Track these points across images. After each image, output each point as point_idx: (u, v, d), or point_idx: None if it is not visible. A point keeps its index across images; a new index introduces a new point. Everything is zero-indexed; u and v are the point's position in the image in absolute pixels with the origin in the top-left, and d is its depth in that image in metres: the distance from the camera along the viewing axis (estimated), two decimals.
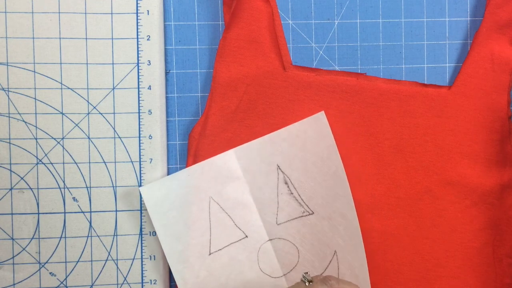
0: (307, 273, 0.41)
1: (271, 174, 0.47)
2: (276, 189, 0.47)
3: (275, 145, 0.47)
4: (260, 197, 0.47)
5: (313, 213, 0.46)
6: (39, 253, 0.47)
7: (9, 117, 0.47)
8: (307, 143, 0.46)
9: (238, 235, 0.47)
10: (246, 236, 0.47)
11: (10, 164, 0.47)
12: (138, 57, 0.47)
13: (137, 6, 0.47)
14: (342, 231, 0.46)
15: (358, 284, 0.45)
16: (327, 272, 0.46)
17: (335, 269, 0.46)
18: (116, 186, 0.48)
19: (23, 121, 0.47)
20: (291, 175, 0.47)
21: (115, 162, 0.48)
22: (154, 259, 0.48)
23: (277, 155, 0.47)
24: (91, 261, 0.48)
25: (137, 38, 0.47)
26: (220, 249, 0.47)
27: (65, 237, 0.47)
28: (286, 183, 0.47)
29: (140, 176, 0.48)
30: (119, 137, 0.48)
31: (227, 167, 0.47)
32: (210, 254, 0.47)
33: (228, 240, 0.47)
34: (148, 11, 0.47)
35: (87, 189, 0.47)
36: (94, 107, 0.47)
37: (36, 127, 0.47)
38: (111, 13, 0.47)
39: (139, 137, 0.48)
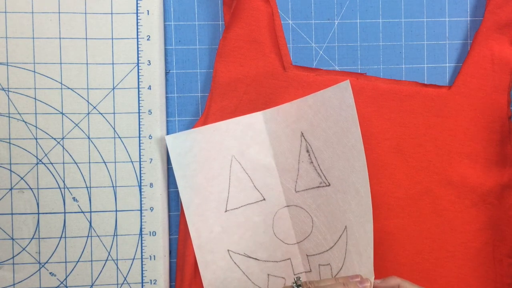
0: (299, 278, 0.41)
1: (295, 141, 0.47)
2: (298, 156, 0.47)
3: (301, 111, 0.46)
4: (282, 162, 0.47)
5: (329, 185, 0.46)
6: (39, 253, 0.47)
7: (9, 117, 0.47)
8: (330, 112, 0.45)
9: (256, 196, 0.47)
10: (264, 199, 0.47)
11: (10, 164, 0.47)
12: (138, 57, 0.47)
13: (137, 6, 0.47)
14: (354, 206, 0.45)
15: (361, 263, 0.45)
16: (335, 247, 0.46)
17: (344, 245, 0.46)
18: (116, 186, 0.48)
19: (23, 121, 0.47)
20: (313, 144, 0.46)
21: (115, 162, 0.48)
22: (154, 259, 0.48)
23: (302, 122, 0.46)
24: (91, 261, 0.48)
25: (137, 38, 0.47)
26: (236, 208, 0.47)
27: (65, 237, 0.47)
28: (307, 151, 0.46)
29: (140, 176, 0.48)
30: (119, 137, 0.48)
31: (253, 128, 0.47)
32: (226, 211, 0.47)
33: (246, 200, 0.47)
34: (148, 11, 0.47)
35: (87, 189, 0.47)
36: (94, 107, 0.47)
37: (36, 127, 0.47)
38: (111, 13, 0.47)
39: (139, 137, 0.48)
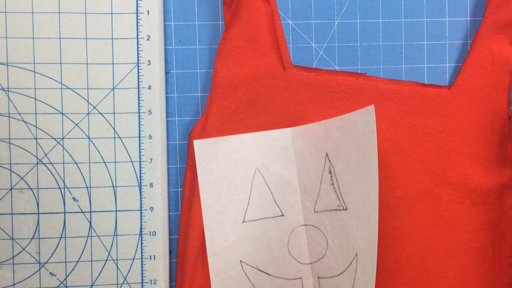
0: None
1: (320, 161, 0.46)
2: (321, 177, 0.46)
3: (328, 132, 0.46)
4: (304, 180, 0.47)
5: (346, 209, 0.46)
6: (39, 253, 0.47)
7: (9, 117, 0.47)
8: (354, 136, 0.45)
9: (275, 211, 0.47)
10: (283, 215, 0.47)
11: (10, 164, 0.47)
12: (138, 57, 0.47)
13: (137, 6, 0.47)
14: (365, 233, 0.45)
15: None
16: (346, 273, 0.46)
17: (353, 272, 0.46)
18: (116, 186, 0.48)
19: (23, 121, 0.47)
20: (336, 166, 0.46)
21: (115, 162, 0.48)
22: (154, 259, 0.48)
23: (328, 143, 0.46)
24: (91, 261, 0.48)
25: (137, 38, 0.47)
26: (253, 220, 0.47)
27: (65, 237, 0.47)
28: (330, 172, 0.46)
29: (140, 176, 0.48)
30: (119, 137, 0.48)
31: (280, 143, 0.47)
32: (243, 222, 0.47)
33: (264, 214, 0.47)
34: (148, 11, 0.47)
35: (87, 189, 0.47)
36: (94, 107, 0.47)
37: (36, 127, 0.47)
38: (111, 13, 0.47)
39: (139, 137, 0.48)
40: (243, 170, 0.47)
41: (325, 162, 0.46)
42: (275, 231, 0.47)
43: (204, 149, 0.47)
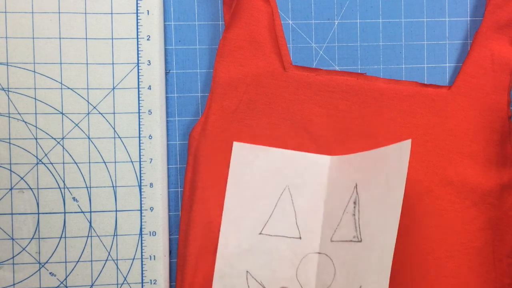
0: None
1: (348, 191, 0.46)
2: (345, 207, 0.46)
3: (362, 164, 0.46)
4: (330, 208, 0.47)
5: (361, 241, 0.45)
6: (39, 253, 0.47)
7: (9, 117, 0.47)
8: (384, 169, 0.44)
9: (293, 232, 0.47)
10: (300, 238, 0.47)
11: (10, 164, 0.47)
12: (138, 57, 0.47)
13: (137, 6, 0.47)
14: (375, 267, 0.43)
15: None
16: None
17: None
18: (116, 186, 0.48)
19: (23, 121, 0.47)
20: (361, 197, 0.45)
21: (115, 162, 0.48)
22: (154, 259, 0.48)
23: (359, 174, 0.46)
24: (91, 261, 0.48)
25: (137, 38, 0.47)
26: (270, 235, 0.47)
27: (65, 237, 0.47)
28: (355, 203, 0.46)
29: (140, 176, 0.48)
30: (119, 137, 0.48)
31: (317, 168, 0.47)
32: (260, 233, 0.47)
33: (282, 232, 0.47)
34: (148, 11, 0.47)
35: (87, 189, 0.47)
36: (94, 107, 0.47)
37: (36, 127, 0.47)
38: (111, 13, 0.47)
39: (139, 137, 0.48)
40: (274, 183, 0.47)
41: (352, 193, 0.46)
42: (288, 252, 0.47)
43: (242, 152, 0.47)
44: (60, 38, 0.47)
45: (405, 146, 0.43)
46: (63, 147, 0.47)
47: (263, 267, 0.47)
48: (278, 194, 0.47)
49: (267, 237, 0.47)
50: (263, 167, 0.47)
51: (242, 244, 0.47)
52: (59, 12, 0.47)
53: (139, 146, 0.48)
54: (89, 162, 0.47)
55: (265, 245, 0.47)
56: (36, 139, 0.47)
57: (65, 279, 0.48)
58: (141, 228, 0.48)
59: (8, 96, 0.47)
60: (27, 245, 0.47)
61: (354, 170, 0.46)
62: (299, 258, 0.47)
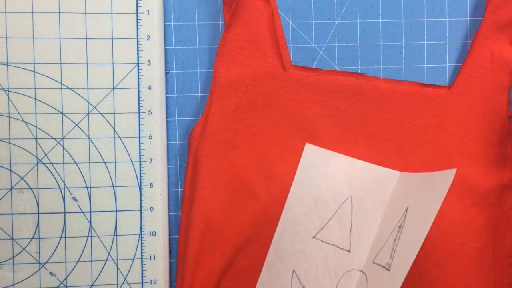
0: None
1: (400, 213, 0.46)
2: (392, 229, 0.46)
3: (416, 185, 0.45)
4: (383, 228, 0.46)
5: (389, 270, 0.45)
6: (39, 253, 0.47)
7: (9, 117, 0.47)
8: (426, 196, 0.44)
9: (345, 244, 0.47)
10: (349, 251, 0.47)
11: (10, 164, 0.47)
12: (138, 57, 0.47)
13: (137, 6, 0.47)
14: None
15: None
16: None
17: None
18: (116, 186, 0.48)
19: (23, 121, 0.47)
20: (406, 223, 0.45)
21: (115, 162, 0.48)
22: (154, 259, 0.48)
23: (411, 196, 0.45)
24: (91, 261, 0.48)
25: (137, 38, 0.47)
26: (323, 241, 0.47)
27: (65, 237, 0.47)
28: (399, 227, 0.45)
29: (140, 176, 0.48)
30: (119, 137, 0.48)
31: (383, 183, 0.47)
32: (313, 237, 0.47)
33: (334, 241, 0.47)
34: (148, 11, 0.47)
35: (87, 189, 0.47)
36: (94, 107, 0.47)
37: (36, 127, 0.47)
38: (111, 13, 0.47)
39: (139, 137, 0.48)
40: (337, 191, 0.47)
41: (402, 216, 0.45)
42: (335, 262, 0.47)
43: (313, 155, 0.47)
44: (60, 38, 0.47)
45: (449, 175, 0.43)
46: (63, 147, 0.47)
47: (309, 271, 0.47)
48: (339, 202, 0.47)
49: (319, 242, 0.47)
50: (330, 173, 0.47)
51: (296, 243, 0.47)
52: (59, 12, 0.47)
53: (139, 146, 0.48)
54: (89, 162, 0.47)
55: (316, 250, 0.47)
56: (36, 139, 0.47)
57: (65, 279, 0.48)
58: (141, 228, 0.48)
59: (8, 96, 0.47)
60: (27, 245, 0.47)
61: (412, 193, 0.46)
62: (343, 271, 0.47)
